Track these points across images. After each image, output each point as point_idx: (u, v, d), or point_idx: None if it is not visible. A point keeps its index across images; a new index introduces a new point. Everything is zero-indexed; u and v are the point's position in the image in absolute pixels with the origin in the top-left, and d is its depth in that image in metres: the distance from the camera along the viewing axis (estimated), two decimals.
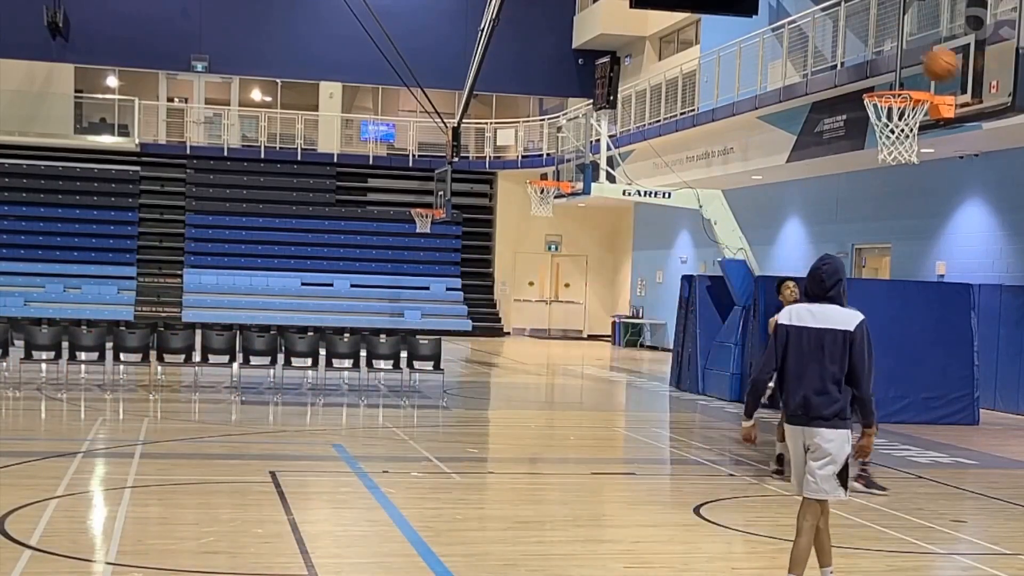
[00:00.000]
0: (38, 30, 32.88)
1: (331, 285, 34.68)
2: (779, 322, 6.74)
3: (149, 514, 8.94)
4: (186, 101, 36.79)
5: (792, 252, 26.01)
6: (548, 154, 33.25)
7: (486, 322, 35.77)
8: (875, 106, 12.60)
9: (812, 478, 6.59)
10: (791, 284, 12.03)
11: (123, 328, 18.14)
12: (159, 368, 17.48)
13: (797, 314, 6.68)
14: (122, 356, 17.27)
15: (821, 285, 6.63)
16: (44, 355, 17.23)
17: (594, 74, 22.17)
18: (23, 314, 29.66)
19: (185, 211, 35.52)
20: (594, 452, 13.81)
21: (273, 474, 10.54)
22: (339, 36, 34.25)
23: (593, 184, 21.66)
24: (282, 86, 37.23)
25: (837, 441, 6.54)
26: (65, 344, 17.33)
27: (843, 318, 6.58)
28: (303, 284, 34.59)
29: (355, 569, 7.56)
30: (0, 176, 34.19)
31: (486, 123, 36.97)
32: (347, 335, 18.56)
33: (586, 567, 7.74)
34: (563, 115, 30.42)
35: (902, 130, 12.38)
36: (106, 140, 34.95)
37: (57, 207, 34.22)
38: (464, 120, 29.77)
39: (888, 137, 12.50)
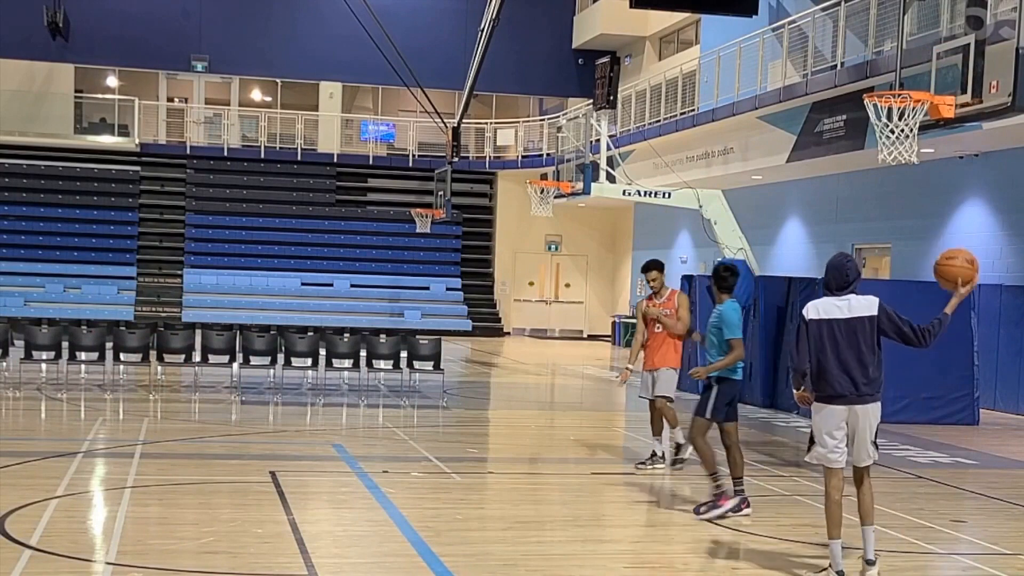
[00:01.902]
0: (38, 30, 32.88)
1: (331, 285, 34.68)
2: (809, 318, 7.39)
3: (149, 514, 8.94)
4: (186, 101, 36.80)
5: (792, 252, 26.02)
6: (548, 154, 33.25)
7: (486, 322, 35.76)
8: (875, 106, 12.59)
9: (861, 449, 7.39)
10: (655, 273, 11.71)
11: (123, 328, 18.13)
12: (159, 368, 17.48)
13: (825, 308, 7.40)
14: (122, 356, 17.27)
15: (846, 279, 7.39)
16: (44, 355, 17.22)
17: (594, 74, 22.16)
18: (23, 314, 29.66)
19: (185, 211, 35.53)
20: (594, 452, 13.80)
21: (273, 474, 10.55)
22: (339, 36, 34.26)
23: (593, 184, 21.65)
24: (282, 86, 37.24)
25: (878, 413, 7.44)
26: (65, 344, 17.33)
27: (866, 305, 7.38)
28: (303, 284, 34.60)
29: (355, 569, 7.56)
30: (0, 176, 34.20)
31: (486, 123, 36.98)
32: (347, 335, 18.56)
33: (586, 567, 7.74)
34: (563, 115, 30.42)
35: (902, 130, 12.37)
36: (106, 140, 34.95)
37: (57, 207, 34.23)
38: (464, 120, 29.76)
39: (888, 137, 12.49)
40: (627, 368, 11.93)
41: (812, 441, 7.47)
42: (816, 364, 7.35)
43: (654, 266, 11.78)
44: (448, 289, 35.66)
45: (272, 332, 18.69)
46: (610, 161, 22.56)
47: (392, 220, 35.93)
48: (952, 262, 7.47)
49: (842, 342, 7.29)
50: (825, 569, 7.49)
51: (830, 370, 7.31)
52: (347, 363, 17.78)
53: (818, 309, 7.41)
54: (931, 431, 15.58)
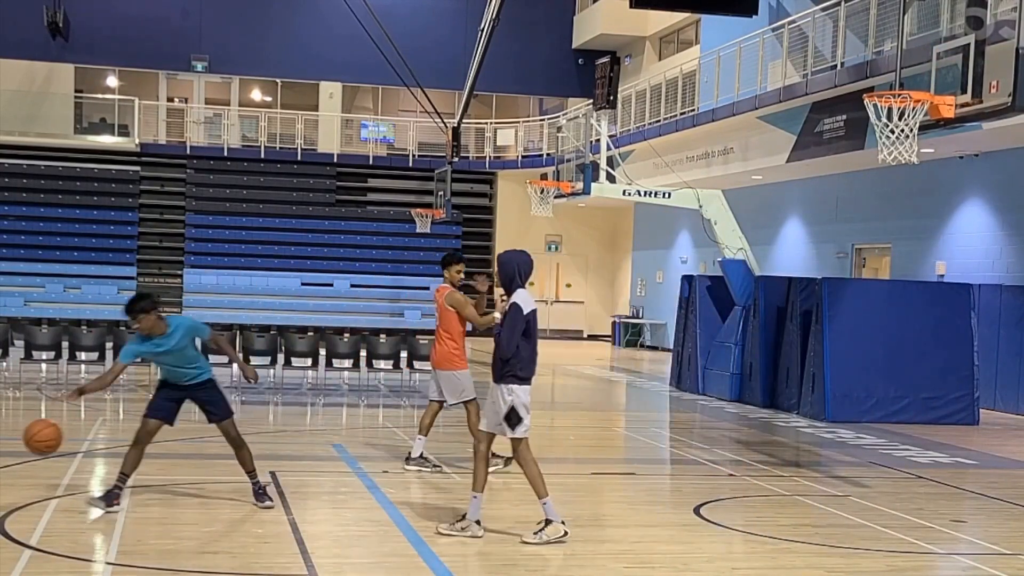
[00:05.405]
0: (38, 30, 32.84)
1: (331, 285, 34.65)
2: (528, 309, 8.33)
3: (149, 514, 8.93)
4: (186, 101, 36.79)
5: (792, 252, 26.02)
6: (548, 154, 33.24)
7: None
8: (875, 106, 12.58)
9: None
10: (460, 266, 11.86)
11: (123, 328, 18.12)
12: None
13: (528, 300, 8.43)
14: None
15: (528, 275, 8.50)
16: (44, 355, 17.23)
17: (594, 74, 22.15)
18: (23, 314, 29.65)
19: (185, 211, 35.51)
20: (594, 452, 13.80)
21: (273, 474, 10.54)
22: (339, 36, 34.25)
23: (593, 184, 21.65)
24: (282, 86, 37.23)
25: None
26: (65, 344, 17.33)
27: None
28: (303, 284, 34.56)
29: (355, 569, 7.56)
30: (0, 176, 34.20)
31: (486, 123, 36.97)
32: (347, 335, 18.58)
33: (586, 567, 7.74)
34: (563, 115, 30.42)
35: (902, 130, 12.36)
36: (106, 140, 34.94)
37: (57, 207, 34.20)
38: (464, 120, 29.76)
39: (888, 137, 12.48)
40: None
41: (518, 419, 8.57)
42: (530, 349, 8.47)
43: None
44: None
45: (272, 332, 18.72)
46: (610, 161, 22.56)
47: (392, 220, 35.92)
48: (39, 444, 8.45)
49: (535, 329, 8.47)
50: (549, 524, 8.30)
51: (532, 356, 8.49)
52: (347, 363, 17.78)
53: (527, 301, 8.38)
54: (931, 431, 15.58)
